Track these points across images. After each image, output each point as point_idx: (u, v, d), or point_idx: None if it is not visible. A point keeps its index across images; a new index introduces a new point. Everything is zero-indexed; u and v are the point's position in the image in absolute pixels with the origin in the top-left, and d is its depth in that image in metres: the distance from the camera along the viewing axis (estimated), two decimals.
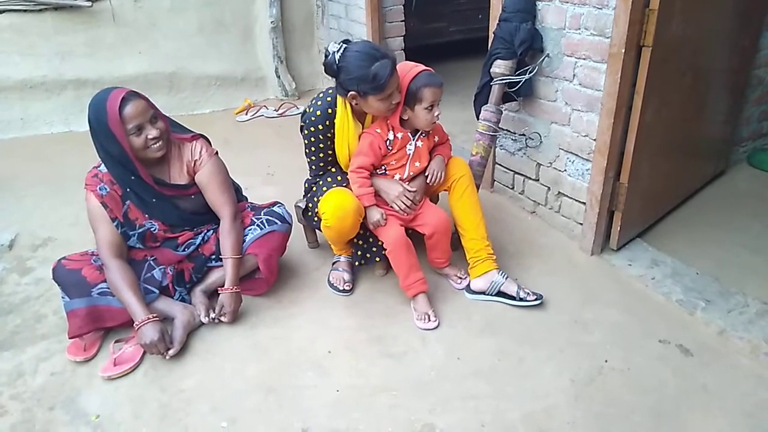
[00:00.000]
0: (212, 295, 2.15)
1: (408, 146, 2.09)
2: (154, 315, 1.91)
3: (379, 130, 2.05)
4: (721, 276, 2.20)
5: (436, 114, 2.01)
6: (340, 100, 2.03)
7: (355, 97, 1.95)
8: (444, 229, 2.16)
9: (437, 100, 2.00)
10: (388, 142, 2.06)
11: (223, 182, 2.10)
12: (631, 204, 2.30)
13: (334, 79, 1.99)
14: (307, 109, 2.09)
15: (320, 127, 2.05)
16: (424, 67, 2.01)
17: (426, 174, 2.14)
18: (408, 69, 2.00)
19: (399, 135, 2.06)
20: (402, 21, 3.94)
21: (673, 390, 1.74)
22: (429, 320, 2.05)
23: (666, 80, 2.14)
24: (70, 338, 1.93)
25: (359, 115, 2.08)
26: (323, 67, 1.98)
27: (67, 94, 4.04)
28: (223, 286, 2.06)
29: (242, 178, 2.48)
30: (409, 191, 2.09)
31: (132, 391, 1.81)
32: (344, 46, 1.92)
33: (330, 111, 2.03)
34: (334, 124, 2.05)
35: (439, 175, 2.12)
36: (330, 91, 2.06)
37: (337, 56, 1.91)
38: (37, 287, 2.31)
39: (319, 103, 2.06)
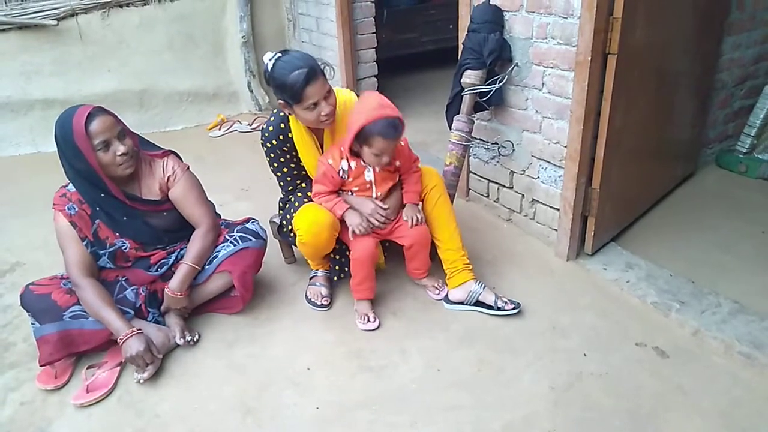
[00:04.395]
0: (187, 316, 2.11)
1: (366, 174, 2.04)
2: (138, 328, 1.88)
3: (331, 161, 2.00)
4: (693, 276, 2.23)
5: (384, 161, 1.94)
6: None
7: (285, 106, 1.94)
8: (423, 240, 2.15)
9: (388, 150, 1.91)
10: (341, 171, 2.01)
11: (199, 195, 2.08)
12: (604, 208, 2.33)
13: None
14: (264, 125, 2.08)
15: (274, 142, 2.04)
16: (388, 113, 1.86)
17: (405, 219, 2.10)
18: (371, 107, 1.86)
19: (353, 164, 2.01)
20: (373, 33, 3.96)
21: (651, 392, 1.76)
22: (369, 321, 2.08)
23: (632, 86, 2.18)
24: (41, 366, 1.87)
25: (314, 128, 2.06)
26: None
27: (34, 115, 3.95)
28: (194, 305, 2.03)
29: (216, 194, 2.45)
30: (383, 208, 2.06)
31: (106, 418, 1.77)
32: (278, 55, 1.91)
33: (283, 125, 2.03)
34: (290, 138, 2.04)
35: (418, 218, 2.09)
36: None
37: (269, 65, 1.90)
38: (5, 314, 2.25)
39: (272, 118, 2.06)
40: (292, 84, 1.83)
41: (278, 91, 1.90)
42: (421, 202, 2.15)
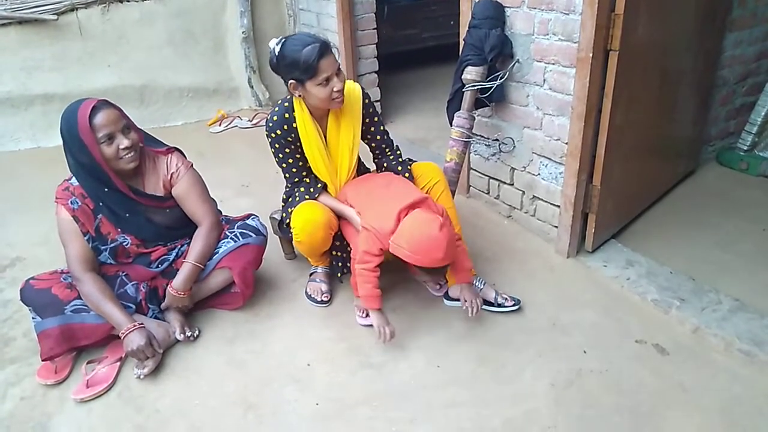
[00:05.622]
0: (187, 312, 2.12)
1: None
2: (140, 322, 1.88)
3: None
4: (694, 274, 2.23)
5: None
6: (296, 102, 2.01)
7: (296, 87, 1.94)
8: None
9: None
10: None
11: (202, 192, 2.08)
12: (605, 206, 2.32)
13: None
14: (268, 116, 2.08)
15: (279, 132, 2.03)
16: (445, 263, 1.82)
17: (463, 304, 2.03)
18: (437, 257, 1.79)
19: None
20: (374, 29, 3.94)
21: (651, 389, 1.76)
22: (369, 316, 2.04)
23: (634, 83, 2.17)
24: (42, 360, 1.87)
25: (318, 118, 2.06)
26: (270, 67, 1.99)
27: (34, 110, 3.95)
28: (194, 301, 2.03)
29: (217, 190, 2.44)
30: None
31: (106, 413, 1.77)
32: (284, 39, 1.92)
33: (287, 116, 2.02)
34: (294, 128, 2.03)
35: (478, 304, 2.00)
36: (288, 96, 2.06)
37: (276, 49, 1.91)
38: (5, 309, 2.25)
39: (277, 108, 2.05)
40: (306, 58, 1.84)
41: (289, 69, 1.90)
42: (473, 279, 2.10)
